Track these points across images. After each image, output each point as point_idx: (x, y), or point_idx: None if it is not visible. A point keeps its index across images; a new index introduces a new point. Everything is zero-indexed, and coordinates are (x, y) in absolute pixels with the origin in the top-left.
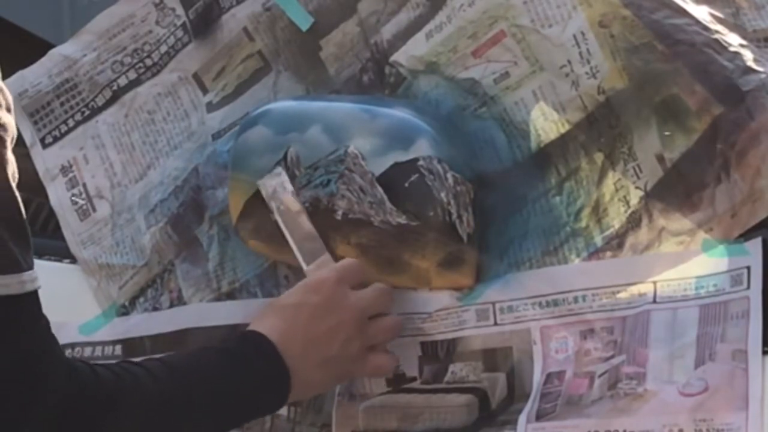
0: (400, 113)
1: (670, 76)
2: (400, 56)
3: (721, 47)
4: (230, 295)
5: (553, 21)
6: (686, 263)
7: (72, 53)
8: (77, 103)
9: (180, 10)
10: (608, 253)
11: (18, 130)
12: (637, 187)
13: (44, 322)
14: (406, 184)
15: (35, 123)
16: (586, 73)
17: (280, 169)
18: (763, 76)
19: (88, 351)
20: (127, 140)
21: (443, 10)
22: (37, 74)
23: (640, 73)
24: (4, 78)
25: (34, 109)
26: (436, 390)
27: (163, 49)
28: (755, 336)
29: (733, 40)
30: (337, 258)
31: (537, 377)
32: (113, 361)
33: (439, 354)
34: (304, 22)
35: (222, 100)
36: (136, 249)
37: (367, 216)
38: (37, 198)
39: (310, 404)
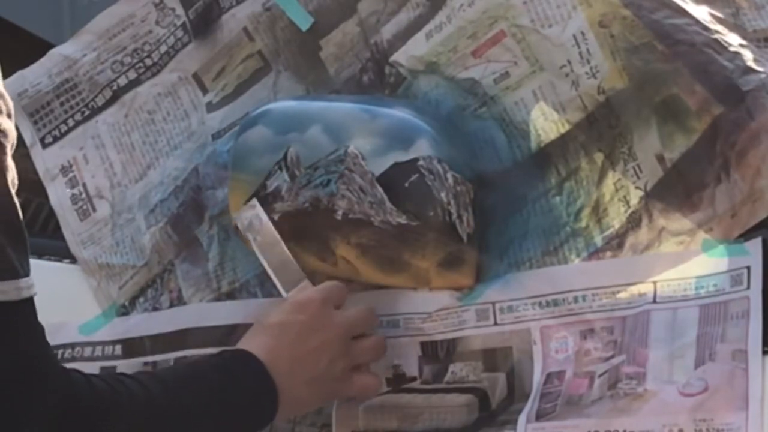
0: (400, 113)
1: (670, 76)
2: (400, 56)
3: (721, 47)
4: (230, 295)
5: (553, 21)
6: (686, 263)
7: (72, 53)
8: (77, 103)
9: (180, 10)
10: (608, 253)
11: (18, 130)
12: (637, 187)
13: (40, 329)
14: (406, 184)
15: (35, 123)
16: (586, 73)
17: (254, 201)
18: (763, 76)
19: (88, 351)
20: (127, 140)
21: (443, 10)
22: (37, 74)
23: (640, 73)
24: (4, 78)
25: (34, 109)
26: (436, 390)
27: (163, 49)
28: (755, 336)
29: (733, 40)
30: (337, 260)
31: (537, 377)
32: (110, 363)
33: (439, 354)
34: (304, 22)
35: (222, 100)
36: (136, 249)
37: (367, 216)
38: (37, 198)
39: None
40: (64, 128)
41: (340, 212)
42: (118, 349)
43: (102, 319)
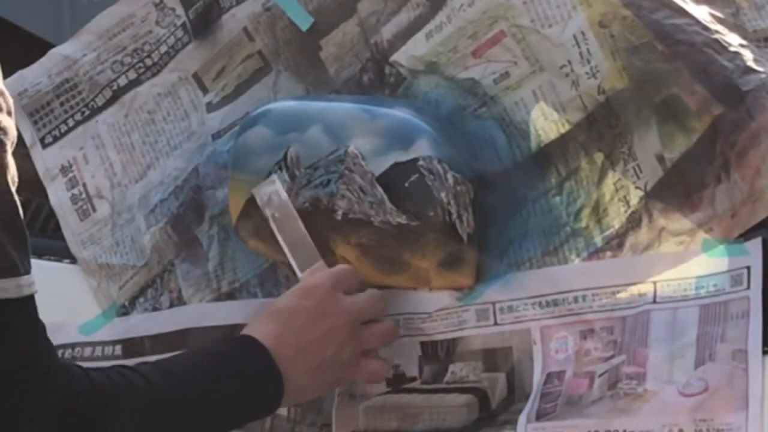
0: (400, 113)
1: (670, 76)
2: (400, 56)
3: (721, 47)
4: (230, 295)
5: (553, 21)
6: (686, 263)
7: (72, 53)
8: (77, 103)
9: (180, 10)
10: (608, 253)
11: (18, 130)
12: (637, 187)
13: (41, 326)
14: (406, 184)
15: (35, 123)
16: (586, 73)
17: (274, 177)
18: (763, 76)
19: (88, 351)
20: (127, 140)
21: (443, 10)
22: (37, 74)
23: (640, 73)
24: (4, 78)
25: (33, 109)
26: (436, 390)
27: (163, 49)
28: (755, 336)
29: (733, 40)
30: (337, 260)
31: (537, 377)
32: (110, 363)
33: (439, 354)
34: (304, 22)
35: (222, 100)
36: (136, 249)
37: (367, 216)
38: (37, 198)
39: (310, 404)
40: (64, 128)
41: (340, 212)
42: (118, 349)
43: (102, 319)
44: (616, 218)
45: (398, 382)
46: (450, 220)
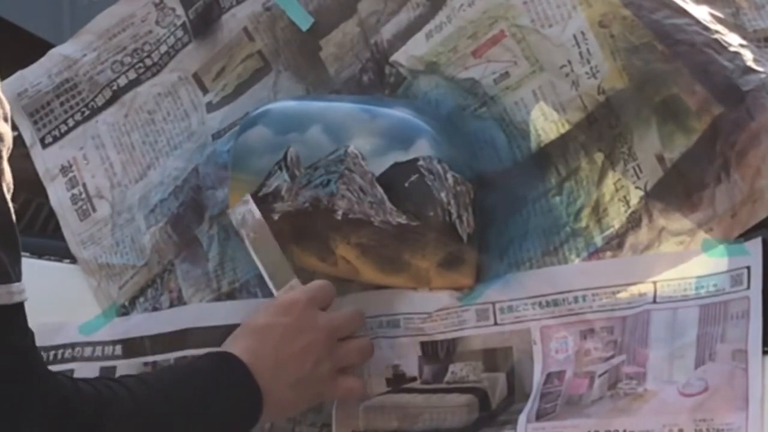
0: (400, 113)
1: (670, 76)
2: (400, 56)
3: (721, 47)
4: (230, 295)
5: (553, 21)
6: (686, 263)
7: (72, 53)
8: (77, 103)
9: (180, 10)
10: (608, 253)
11: (18, 130)
12: (637, 187)
13: (30, 334)
14: (406, 184)
15: (35, 123)
16: (586, 73)
17: (248, 197)
18: (763, 76)
19: (88, 351)
20: (127, 140)
21: (443, 10)
22: (37, 74)
23: (640, 73)
24: (3, 78)
25: (33, 109)
26: (436, 390)
27: (163, 49)
28: (755, 336)
29: (733, 40)
30: (336, 260)
31: (537, 377)
32: (110, 363)
33: (439, 354)
34: (304, 22)
35: (222, 100)
36: (136, 249)
37: (367, 216)
38: (37, 198)
39: None
40: (64, 128)
41: (340, 212)
42: (118, 349)
43: (102, 319)
44: (616, 218)
45: (398, 382)
46: (450, 220)
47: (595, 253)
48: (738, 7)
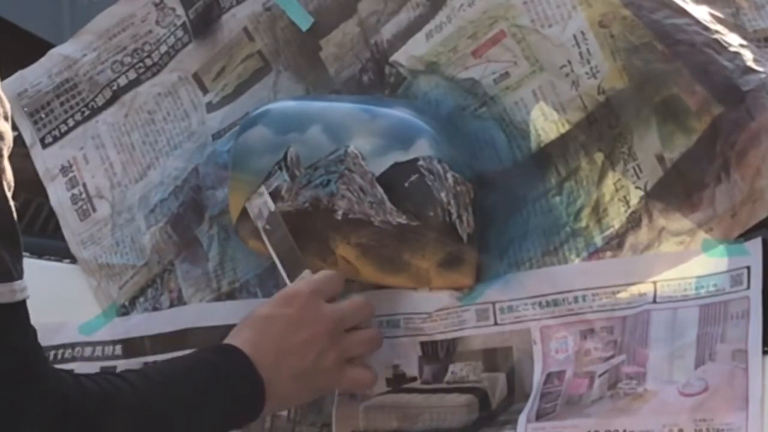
0: (400, 113)
1: (670, 76)
2: (400, 56)
3: (721, 47)
4: (230, 295)
5: (553, 21)
6: (686, 263)
7: (72, 53)
8: (77, 103)
9: (180, 10)
10: (608, 253)
11: (18, 130)
12: (637, 187)
13: (32, 331)
14: (406, 184)
15: (35, 123)
16: (586, 73)
17: (263, 189)
18: (763, 76)
19: (88, 351)
20: (127, 140)
21: (443, 10)
22: (37, 74)
23: (640, 73)
24: (3, 78)
25: (34, 109)
26: (436, 390)
27: (163, 49)
28: (755, 336)
29: (733, 40)
30: (337, 260)
31: (537, 377)
32: (110, 363)
33: (439, 354)
34: (304, 22)
35: (222, 100)
36: (136, 249)
37: (367, 216)
38: (37, 198)
39: (310, 404)
40: (64, 128)
41: (340, 212)
42: (118, 349)
43: (102, 319)
44: (616, 218)
45: (398, 382)
46: (450, 220)
47: (595, 253)
48: (738, 7)
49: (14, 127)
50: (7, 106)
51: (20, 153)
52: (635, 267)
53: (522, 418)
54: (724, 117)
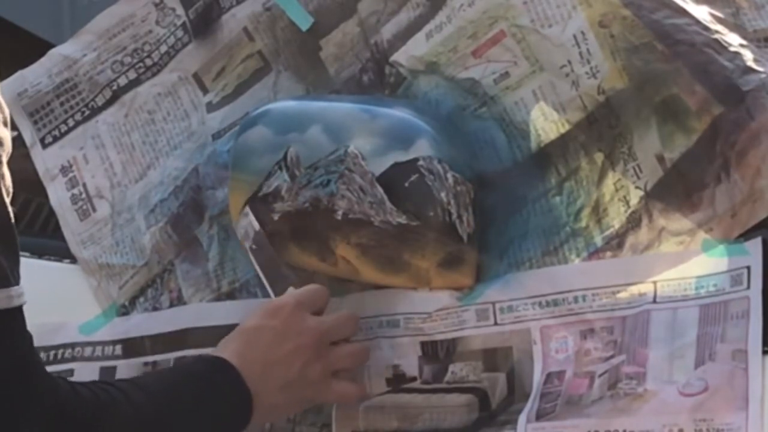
0: (400, 113)
1: (670, 76)
2: (400, 56)
3: (721, 47)
4: (230, 295)
5: (553, 21)
6: (686, 263)
7: (72, 53)
8: (77, 103)
9: (180, 10)
10: (608, 253)
11: (18, 129)
12: (637, 187)
13: (28, 337)
14: (406, 184)
15: (35, 123)
16: (586, 73)
17: (247, 209)
18: (763, 76)
19: (88, 351)
20: (127, 140)
21: (443, 10)
22: (37, 74)
23: (640, 73)
24: (3, 78)
25: (33, 109)
26: (436, 390)
27: (163, 49)
28: (755, 336)
29: (733, 40)
30: (336, 260)
31: (537, 377)
32: (110, 363)
33: (439, 354)
34: (304, 22)
35: (222, 100)
36: (136, 249)
37: (367, 216)
38: (37, 198)
39: None
40: (64, 128)
41: (340, 212)
42: (118, 349)
43: (102, 319)
44: (616, 218)
45: (398, 382)
46: (450, 220)
47: (595, 253)
48: (738, 7)
49: (14, 127)
50: (7, 111)
51: (20, 153)
52: (635, 267)
53: (522, 418)
54: (724, 117)
